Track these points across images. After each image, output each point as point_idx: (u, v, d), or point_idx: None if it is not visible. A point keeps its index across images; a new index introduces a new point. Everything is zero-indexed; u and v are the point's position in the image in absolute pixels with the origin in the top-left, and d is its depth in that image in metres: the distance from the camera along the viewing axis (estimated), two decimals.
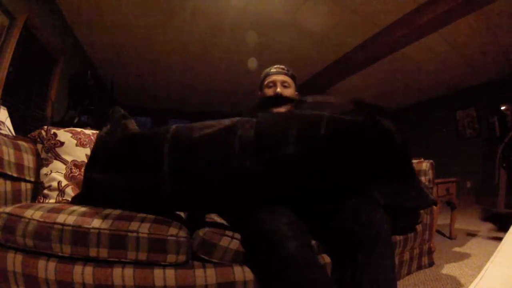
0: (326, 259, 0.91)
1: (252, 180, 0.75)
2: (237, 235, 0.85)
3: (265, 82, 1.22)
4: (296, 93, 1.27)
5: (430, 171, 1.60)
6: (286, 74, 1.22)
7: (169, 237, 0.77)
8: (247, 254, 0.83)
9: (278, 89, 1.17)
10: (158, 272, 0.77)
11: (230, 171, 0.73)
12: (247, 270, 0.83)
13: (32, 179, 1.05)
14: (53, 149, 1.09)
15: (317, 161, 0.75)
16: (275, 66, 1.25)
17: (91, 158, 0.87)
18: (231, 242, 0.83)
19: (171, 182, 0.74)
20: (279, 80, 1.19)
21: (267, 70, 1.25)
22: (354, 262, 0.76)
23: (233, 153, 0.72)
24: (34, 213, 0.78)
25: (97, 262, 0.76)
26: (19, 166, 0.99)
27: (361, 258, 0.75)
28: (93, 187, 0.82)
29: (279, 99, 1.14)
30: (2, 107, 1.55)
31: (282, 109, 1.14)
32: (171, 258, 0.78)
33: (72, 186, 1.05)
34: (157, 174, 0.74)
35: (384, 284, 0.72)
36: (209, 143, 0.74)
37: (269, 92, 1.20)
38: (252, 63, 4.20)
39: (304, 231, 0.73)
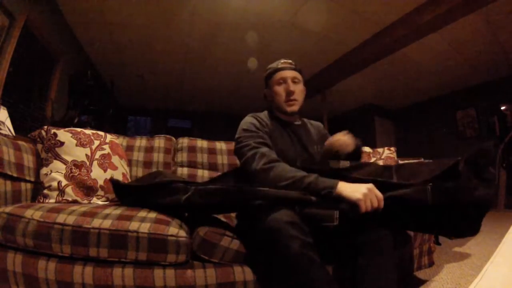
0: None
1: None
2: (238, 235, 0.85)
3: (275, 79, 1.14)
4: (304, 87, 1.20)
5: None
6: (295, 69, 1.14)
7: (169, 237, 0.77)
8: (248, 254, 0.83)
9: (291, 88, 1.10)
10: (158, 272, 0.77)
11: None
12: (247, 270, 0.84)
13: (32, 179, 1.05)
14: (53, 149, 1.09)
15: None
16: (282, 60, 1.16)
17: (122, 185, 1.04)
18: (231, 242, 0.83)
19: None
20: (290, 77, 1.11)
21: (274, 65, 1.16)
22: (355, 263, 0.76)
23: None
24: (34, 213, 0.78)
25: (97, 262, 0.76)
26: (19, 166, 0.99)
27: (362, 259, 0.75)
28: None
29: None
30: (2, 107, 1.55)
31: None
32: (171, 258, 0.78)
33: (72, 186, 1.05)
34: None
35: (385, 284, 0.72)
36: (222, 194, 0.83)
37: (279, 89, 1.12)
38: (252, 63, 4.20)
39: (306, 231, 0.73)
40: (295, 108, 1.12)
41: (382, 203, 0.76)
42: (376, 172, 0.91)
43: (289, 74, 1.12)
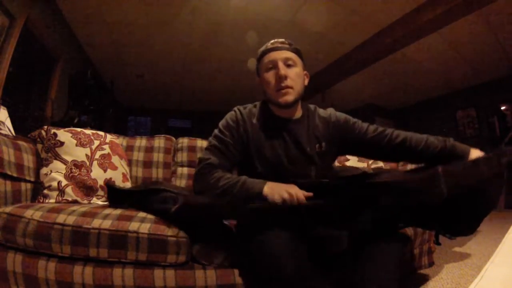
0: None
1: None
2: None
3: (263, 64, 0.92)
4: (305, 72, 0.97)
5: None
6: (288, 49, 0.92)
7: (169, 238, 0.77)
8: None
9: (281, 71, 0.87)
10: (158, 273, 0.77)
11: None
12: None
13: (32, 179, 1.05)
14: (53, 149, 1.09)
15: None
16: (272, 41, 0.94)
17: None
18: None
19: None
20: (281, 58, 0.89)
21: (263, 47, 0.95)
22: (355, 263, 0.75)
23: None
24: (34, 213, 0.78)
25: (97, 262, 0.76)
26: (19, 166, 0.99)
27: (362, 259, 0.75)
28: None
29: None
30: (2, 107, 1.55)
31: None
32: (171, 258, 0.78)
33: (72, 186, 1.05)
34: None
35: (386, 285, 0.71)
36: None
37: (268, 76, 0.90)
38: (252, 63, 4.18)
39: (301, 249, 0.71)
40: (289, 98, 0.88)
41: (303, 201, 0.73)
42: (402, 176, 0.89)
43: (280, 55, 0.90)
